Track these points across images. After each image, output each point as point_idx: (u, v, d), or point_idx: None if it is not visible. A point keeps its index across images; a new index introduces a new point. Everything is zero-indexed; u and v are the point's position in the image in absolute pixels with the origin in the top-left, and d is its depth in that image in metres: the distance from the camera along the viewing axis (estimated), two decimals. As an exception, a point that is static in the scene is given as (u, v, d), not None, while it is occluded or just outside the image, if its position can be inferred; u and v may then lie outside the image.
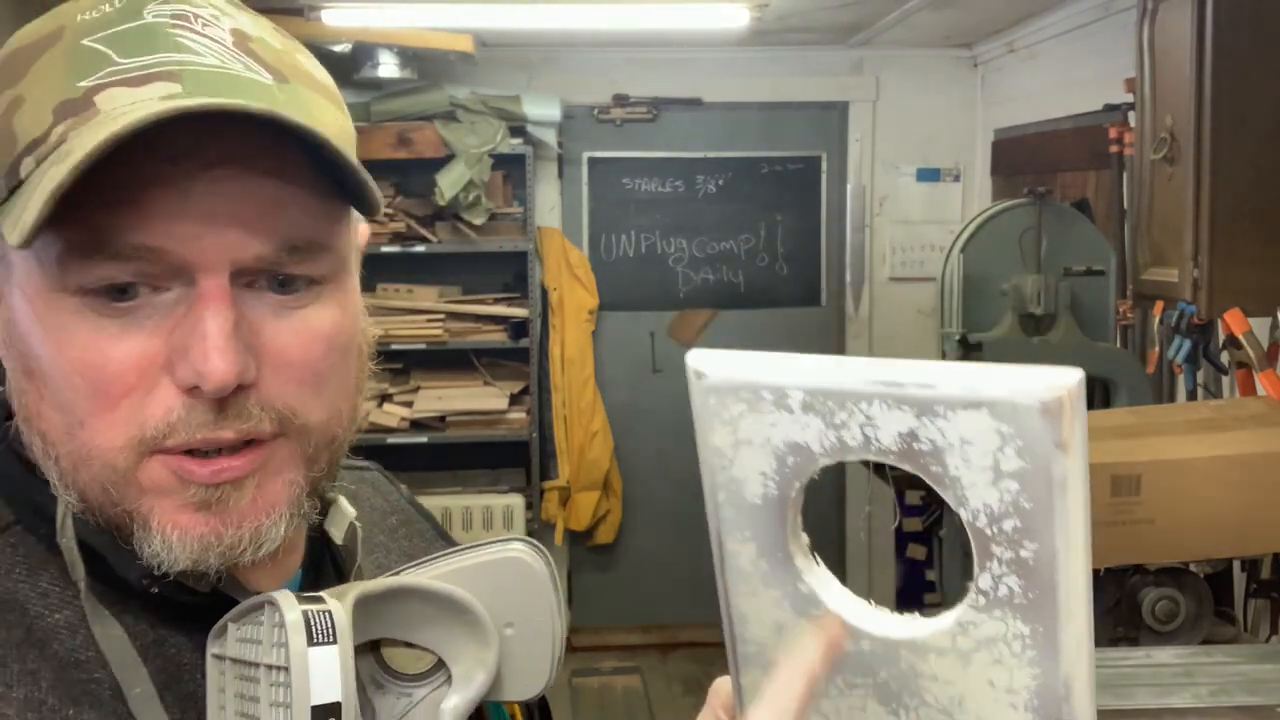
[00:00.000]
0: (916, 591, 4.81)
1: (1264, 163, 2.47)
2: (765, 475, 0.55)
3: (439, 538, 0.96)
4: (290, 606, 0.62)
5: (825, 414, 0.52)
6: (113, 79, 0.63)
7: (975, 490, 0.49)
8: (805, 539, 0.57)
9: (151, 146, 0.61)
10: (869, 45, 4.97)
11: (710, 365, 0.55)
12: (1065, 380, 0.46)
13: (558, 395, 5.03)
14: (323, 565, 0.80)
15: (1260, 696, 1.86)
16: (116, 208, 0.62)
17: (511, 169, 4.83)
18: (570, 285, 5.05)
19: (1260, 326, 2.60)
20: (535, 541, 0.75)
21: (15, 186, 0.63)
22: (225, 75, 0.64)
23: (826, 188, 5.23)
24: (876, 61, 5.10)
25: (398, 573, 0.73)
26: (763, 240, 5.23)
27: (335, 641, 0.62)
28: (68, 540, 0.68)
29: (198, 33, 0.65)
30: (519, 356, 4.92)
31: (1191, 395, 2.91)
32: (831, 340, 5.28)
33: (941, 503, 3.36)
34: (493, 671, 0.71)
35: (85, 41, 0.64)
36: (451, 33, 4.33)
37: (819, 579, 0.57)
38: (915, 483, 3.47)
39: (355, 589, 0.67)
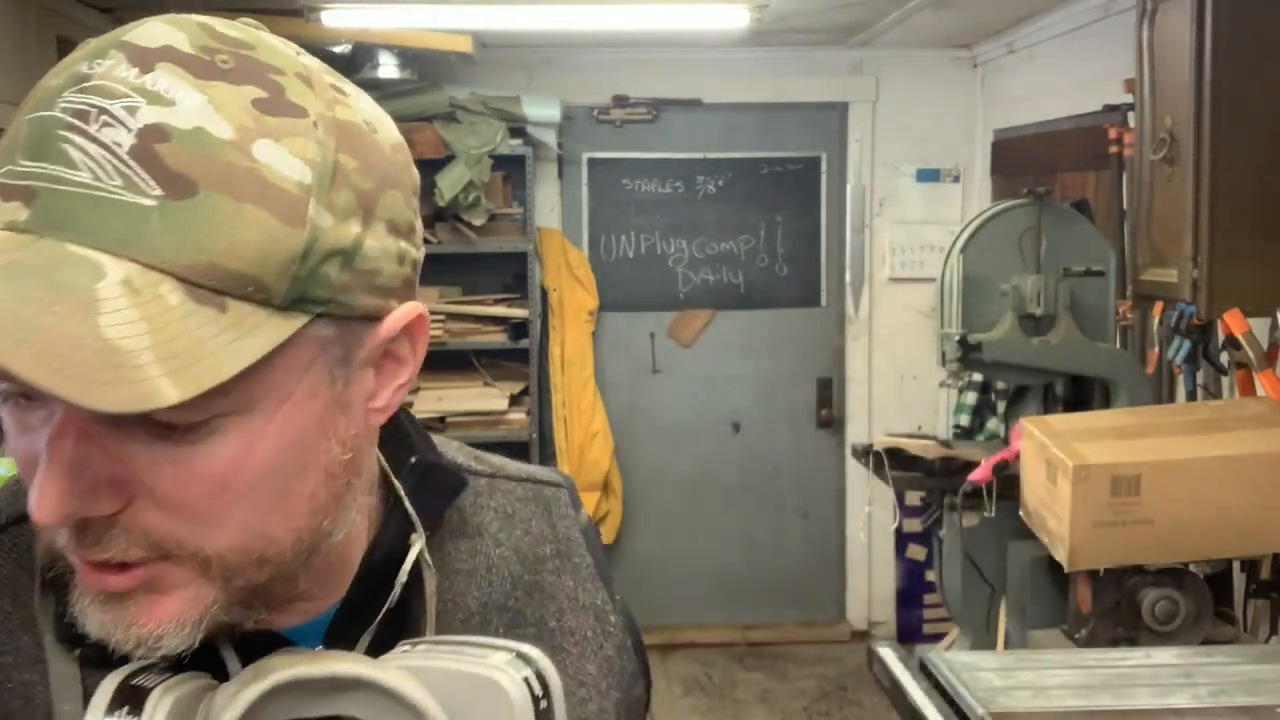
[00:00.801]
0: (916, 592, 4.82)
1: (1264, 163, 2.48)
2: None
3: (595, 577, 0.89)
4: (95, 709, 0.63)
5: None
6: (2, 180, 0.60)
7: None
8: None
9: None
10: (869, 46, 4.97)
11: None
12: None
13: (558, 396, 5.03)
14: (372, 602, 0.75)
15: (1260, 696, 1.86)
16: None
17: (511, 170, 4.83)
18: (570, 286, 5.05)
19: (1260, 327, 2.60)
20: (544, 663, 0.70)
21: None
22: (88, 199, 0.58)
23: (826, 188, 5.23)
24: (876, 62, 5.10)
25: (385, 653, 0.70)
26: (763, 241, 5.23)
27: None
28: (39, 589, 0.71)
29: (89, 135, 0.58)
30: (519, 357, 4.92)
31: (1191, 396, 2.91)
32: (831, 340, 5.28)
33: (942, 503, 3.37)
34: None
35: (24, 117, 0.61)
36: (451, 33, 4.33)
37: None
38: (915, 483, 3.48)
39: (276, 676, 0.64)
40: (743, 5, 3.74)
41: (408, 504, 0.78)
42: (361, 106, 0.68)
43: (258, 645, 0.69)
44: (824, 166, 5.22)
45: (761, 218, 5.22)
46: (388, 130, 0.69)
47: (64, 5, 3.82)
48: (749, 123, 5.17)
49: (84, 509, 0.61)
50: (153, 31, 0.62)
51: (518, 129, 4.77)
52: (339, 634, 0.74)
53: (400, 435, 0.82)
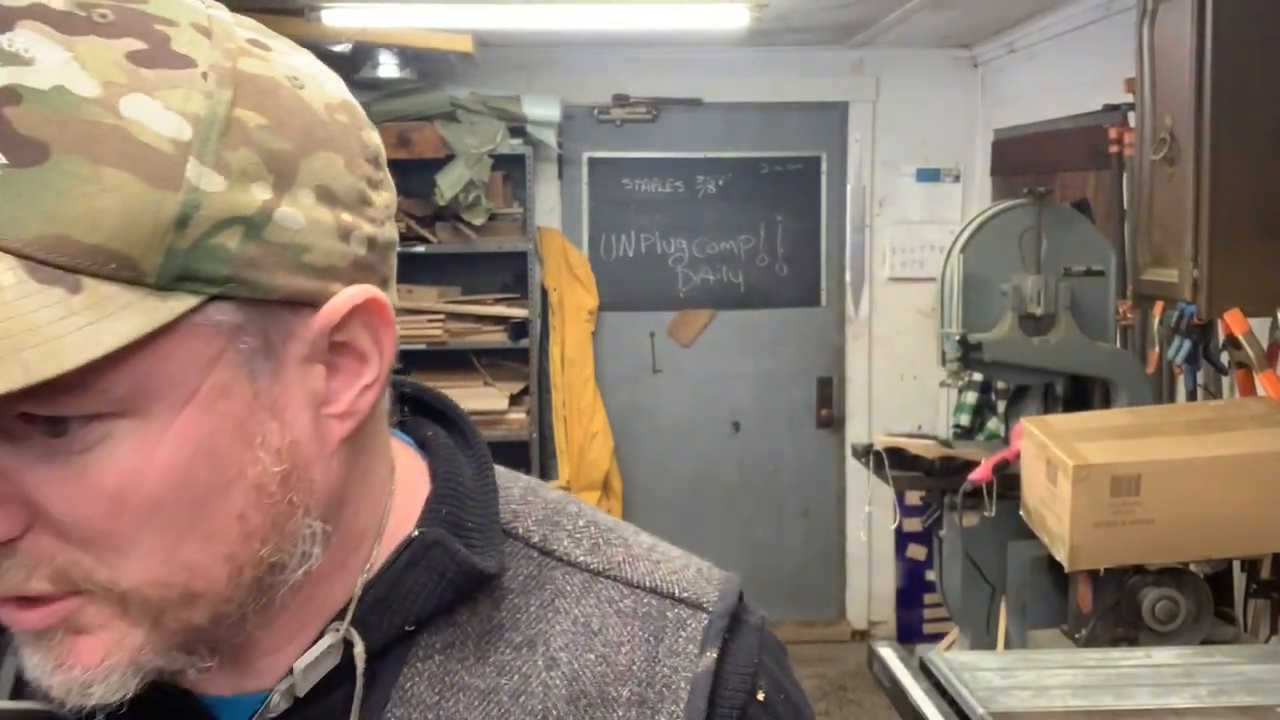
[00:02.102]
0: (916, 591, 4.82)
1: (1264, 163, 2.47)
2: None
3: None
4: None
5: None
6: None
7: None
8: None
9: None
10: (869, 45, 4.97)
11: None
12: None
13: (558, 395, 5.03)
14: (331, 686, 0.63)
15: (1260, 696, 1.86)
16: None
17: (511, 169, 4.83)
18: (570, 285, 5.05)
19: (1260, 327, 2.60)
20: None
21: None
22: None
23: (826, 188, 5.23)
24: (876, 62, 5.10)
25: None
26: (763, 240, 5.23)
27: None
28: None
29: None
30: (519, 357, 4.93)
31: (1191, 395, 2.91)
32: (831, 340, 5.28)
33: (942, 503, 3.37)
34: None
35: None
36: (451, 33, 4.33)
37: None
38: (915, 483, 3.48)
39: None
40: (743, 5, 3.74)
41: (356, 589, 0.64)
42: (288, 62, 0.59)
43: (166, 712, 0.61)
44: (824, 166, 5.22)
45: (761, 217, 5.22)
46: (322, 88, 0.60)
47: None
48: (749, 122, 5.17)
49: None
50: None
51: (518, 129, 4.77)
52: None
53: (441, 494, 0.68)
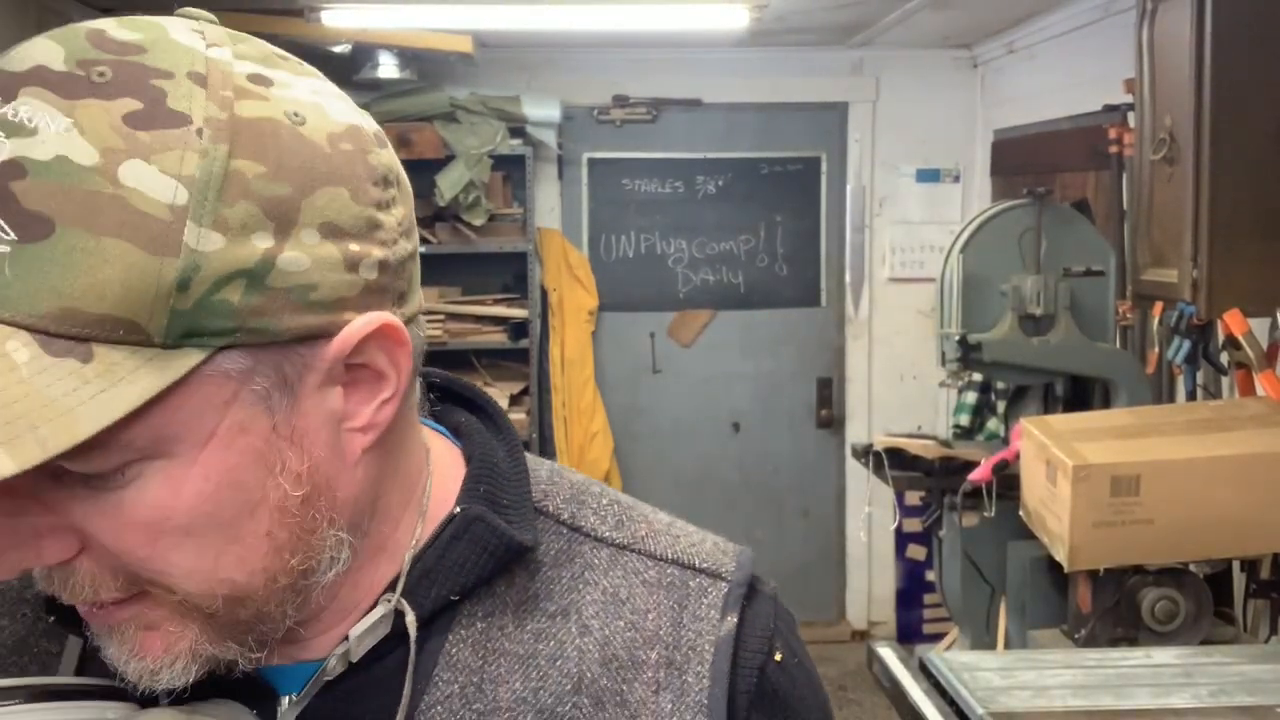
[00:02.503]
0: (916, 592, 4.82)
1: (1264, 163, 2.48)
2: None
3: (704, 709, 0.68)
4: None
5: None
6: None
7: None
8: None
9: None
10: (869, 46, 4.97)
11: None
12: None
13: (558, 396, 5.03)
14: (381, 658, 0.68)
15: (1260, 696, 1.86)
16: None
17: (511, 170, 4.84)
18: (570, 286, 5.05)
19: (1260, 327, 2.60)
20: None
21: None
22: None
23: (826, 188, 5.23)
24: (876, 62, 5.10)
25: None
26: (762, 241, 5.23)
27: None
28: None
29: None
30: (519, 357, 4.93)
31: (1191, 396, 2.91)
32: (831, 340, 5.28)
33: (942, 503, 3.37)
34: None
35: None
36: (451, 33, 4.33)
37: None
38: (915, 483, 3.48)
39: None
40: (743, 5, 3.74)
41: (405, 563, 0.68)
42: (290, 95, 0.59)
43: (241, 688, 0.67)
44: (824, 166, 5.22)
45: (761, 218, 5.22)
46: (326, 117, 0.60)
47: (64, 5, 3.82)
48: (749, 123, 5.17)
49: (27, 560, 0.58)
50: (28, 52, 0.56)
51: (518, 129, 4.77)
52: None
53: (477, 474, 0.72)
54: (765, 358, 5.29)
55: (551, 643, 0.69)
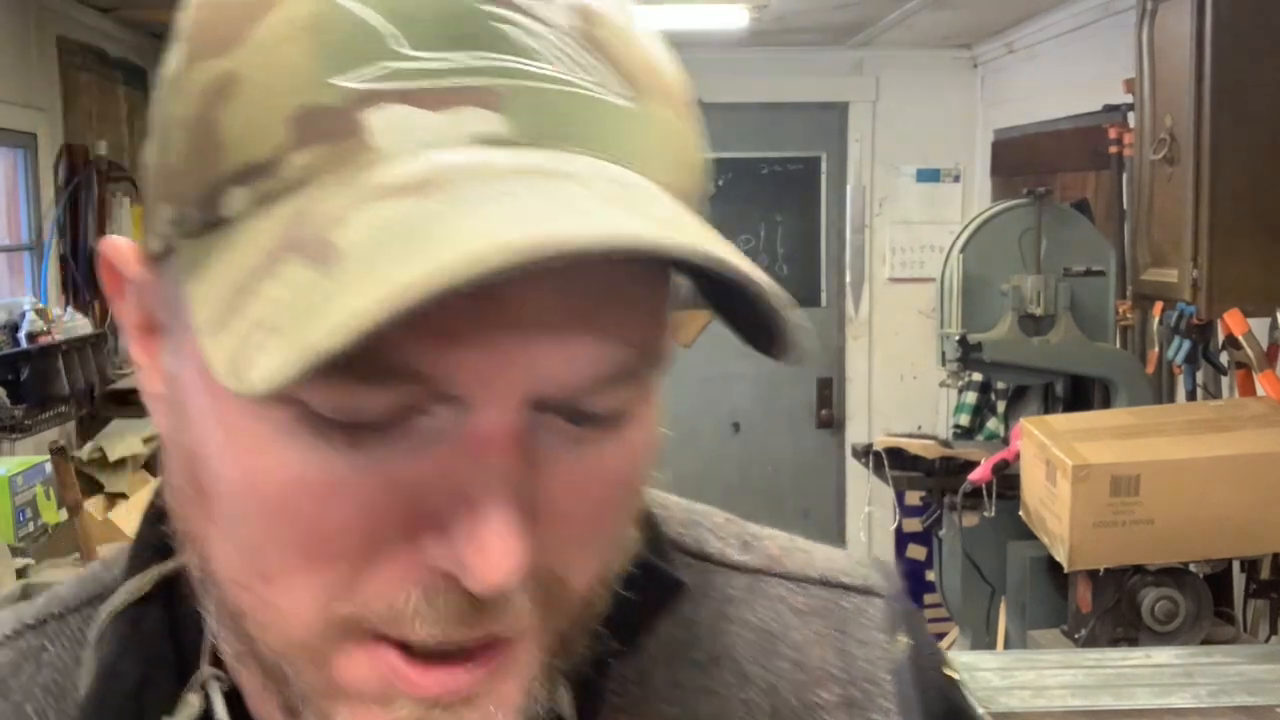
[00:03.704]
0: (916, 592, 4.82)
1: (1264, 163, 2.48)
2: None
3: None
4: None
5: None
6: (393, 85, 0.39)
7: None
8: None
9: None
10: (869, 46, 4.97)
11: None
12: None
13: (558, 396, 5.03)
14: None
15: (1260, 696, 1.87)
16: None
17: (511, 169, 4.83)
18: (570, 286, 5.05)
19: (1260, 327, 2.60)
20: None
21: (213, 223, 0.40)
22: (568, 97, 0.41)
23: (826, 188, 5.23)
24: (876, 62, 5.10)
25: None
26: (763, 241, 5.23)
27: None
28: (195, 690, 0.49)
29: (529, 13, 0.41)
30: (519, 357, 4.92)
31: (1191, 395, 2.92)
32: (832, 340, 5.28)
33: (942, 503, 3.37)
34: None
35: (346, 2, 0.39)
36: (451, 33, 4.33)
37: None
38: (915, 483, 3.48)
39: None
40: (743, 5, 3.74)
41: None
42: None
43: None
44: (824, 166, 5.22)
45: (761, 218, 5.22)
46: None
47: (64, 5, 3.82)
48: (749, 123, 5.16)
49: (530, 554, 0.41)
50: None
51: (518, 129, 4.76)
52: None
53: None
54: (765, 358, 5.26)
55: (714, 700, 0.55)
